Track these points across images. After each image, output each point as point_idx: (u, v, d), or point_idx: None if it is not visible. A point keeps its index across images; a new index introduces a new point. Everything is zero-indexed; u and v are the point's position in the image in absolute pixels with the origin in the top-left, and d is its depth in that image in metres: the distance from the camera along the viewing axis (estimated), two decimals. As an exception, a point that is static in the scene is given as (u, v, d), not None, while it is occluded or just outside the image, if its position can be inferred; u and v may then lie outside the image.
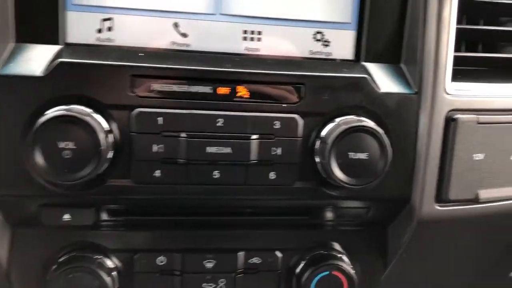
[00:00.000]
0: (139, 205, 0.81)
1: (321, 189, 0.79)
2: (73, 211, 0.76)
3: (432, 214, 0.83)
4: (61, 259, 0.80)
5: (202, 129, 0.73)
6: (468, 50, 0.88)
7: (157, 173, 0.74)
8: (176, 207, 0.83)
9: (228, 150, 0.74)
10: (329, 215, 0.88)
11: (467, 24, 0.85)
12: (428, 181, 0.82)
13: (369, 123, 0.75)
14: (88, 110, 0.69)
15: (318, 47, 0.82)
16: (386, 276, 0.93)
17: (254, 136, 0.75)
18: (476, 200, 0.84)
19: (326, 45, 0.82)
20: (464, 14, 0.85)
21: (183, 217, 0.84)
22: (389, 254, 0.92)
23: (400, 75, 0.81)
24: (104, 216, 0.81)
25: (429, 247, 0.91)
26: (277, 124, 0.75)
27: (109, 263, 0.81)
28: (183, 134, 0.73)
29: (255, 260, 0.86)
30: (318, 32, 0.81)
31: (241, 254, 0.85)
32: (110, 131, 0.71)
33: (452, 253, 0.94)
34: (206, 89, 0.73)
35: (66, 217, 0.76)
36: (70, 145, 0.67)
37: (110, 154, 0.70)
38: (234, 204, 0.82)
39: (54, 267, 0.79)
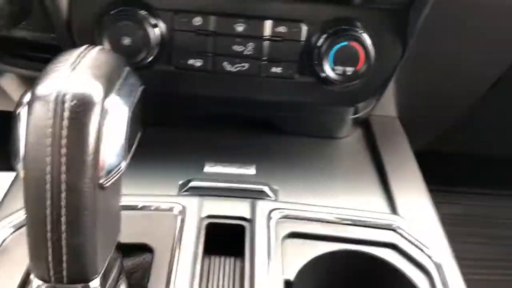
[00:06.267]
0: None
1: None
2: None
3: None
4: (112, 11, 0.93)
5: None
6: None
7: None
8: None
9: None
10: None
11: None
12: None
13: None
14: None
15: None
16: (404, 61, 1.00)
17: None
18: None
19: None
20: None
21: None
22: (408, 36, 0.98)
23: None
24: None
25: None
26: None
27: (153, 20, 0.94)
28: None
29: (281, 29, 0.95)
30: None
31: (268, 22, 0.95)
32: None
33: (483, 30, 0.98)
34: None
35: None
36: None
37: None
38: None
39: (106, 16, 0.92)
